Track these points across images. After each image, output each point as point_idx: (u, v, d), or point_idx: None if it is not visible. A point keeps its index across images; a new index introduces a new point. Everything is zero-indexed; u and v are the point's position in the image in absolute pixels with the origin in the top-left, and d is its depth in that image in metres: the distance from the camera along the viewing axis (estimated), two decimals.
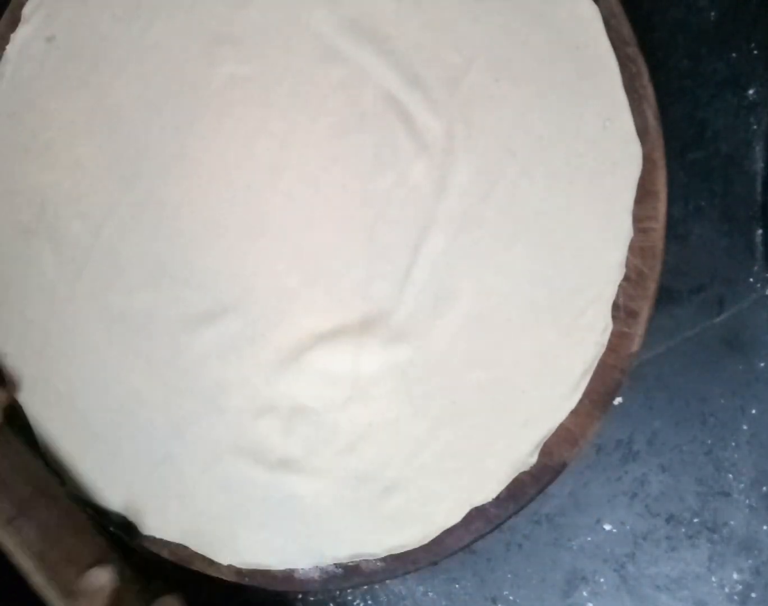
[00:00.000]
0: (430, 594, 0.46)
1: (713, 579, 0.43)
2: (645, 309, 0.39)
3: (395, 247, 0.40)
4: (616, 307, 0.39)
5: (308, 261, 0.41)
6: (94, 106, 0.43)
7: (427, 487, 0.40)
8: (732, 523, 0.43)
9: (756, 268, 0.44)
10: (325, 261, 0.40)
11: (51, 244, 0.43)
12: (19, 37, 0.44)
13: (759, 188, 0.44)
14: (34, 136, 0.44)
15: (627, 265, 0.39)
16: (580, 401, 0.39)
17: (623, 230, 0.38)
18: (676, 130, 0.44)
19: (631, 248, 0.38)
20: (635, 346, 0.39)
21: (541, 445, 0.39)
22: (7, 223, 0.44)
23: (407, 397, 0.40)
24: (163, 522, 0.42)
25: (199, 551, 0.42)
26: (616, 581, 0.44)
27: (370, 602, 0.46)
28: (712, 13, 0.44)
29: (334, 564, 0.41)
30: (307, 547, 0.41)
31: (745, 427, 0.43)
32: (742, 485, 0.43)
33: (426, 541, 0.40)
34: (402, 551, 0.40)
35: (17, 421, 0.44)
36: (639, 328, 0.39)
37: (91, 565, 0.40)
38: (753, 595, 0.43)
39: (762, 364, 0.43)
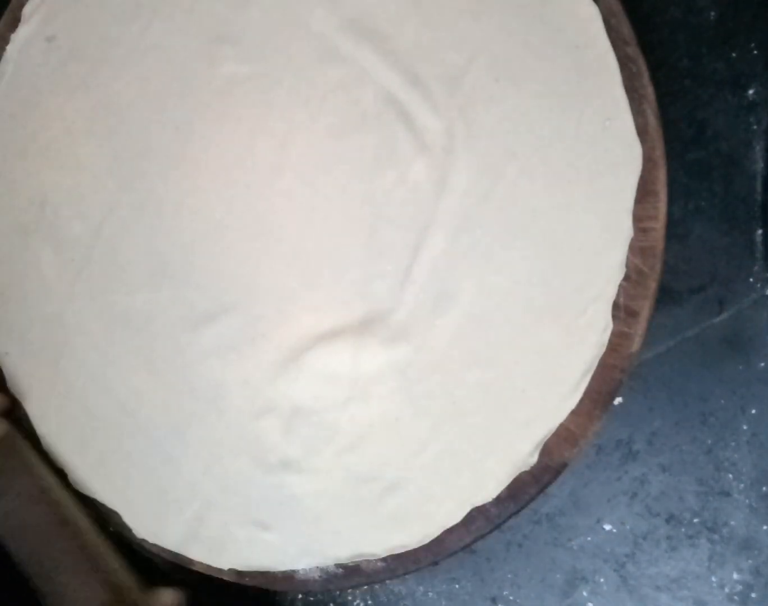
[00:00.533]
0: (430, 594, 0.46)
1: (713, 579, 0.43)
2: (645, 309, 0.39)
3: (395, 247, 0.40)
4: (616, 306, 0.39)
5: (308, 261, 0.41)
6: (94, 106, 0.43)
7: (427, 487, 0.40)
8: (732, 523, 0.43)
9: (756, 268, 0.44)
10: (325, 261, 0.40)
11: (51, 244, 0.43)
12: (19, 37, 0.44)
13: (759, 188, 0.44)
14: (35, 136, 0.44)
15: (627, 265, 0.39)
16: (580, 401, 0.39)
17: (623, 230, 0.38)
18: (676, 130, 0.44)
19: (631, 248, 0.38)
20: (635, 345, 0.39)
21: (541, 445, 0.39)
22: (7, 223, 0.44)
23: (407, 397, 0.40)
24: (161, 526, 0.42)
25: (198, 558, 0.42)
26: (616, 581, 0.44)
27: (370, 602, 0.46)
28: (712, 13, 0.44)
29: (335, 564, 0.41)
30: (308, 547, 0.41)
31: (745, 427, 0.43)
32: (742, 485, 0.43)
33: (426, 541, 0.40)
34: (402, 551, 0.40)
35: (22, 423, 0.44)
36: (639, 328, 0.39)
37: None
38: (753, 595, 0.43)
39: (762, 364, 0.43)
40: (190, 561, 0.42)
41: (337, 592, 0.46)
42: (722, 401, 0.44)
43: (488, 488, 0.39)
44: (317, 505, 0.41)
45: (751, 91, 0.44)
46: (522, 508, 0.40)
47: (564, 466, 0.39)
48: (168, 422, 0.42)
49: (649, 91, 0.38)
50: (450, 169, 0.39)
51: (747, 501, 0.43)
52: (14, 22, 0.45)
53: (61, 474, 0.43)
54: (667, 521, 0.44)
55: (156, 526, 0.42)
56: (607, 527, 0.44)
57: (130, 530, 0.43)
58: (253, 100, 0.41)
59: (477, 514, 0.40)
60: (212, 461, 0.41)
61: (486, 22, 0.40)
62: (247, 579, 0.42)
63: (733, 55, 0.44)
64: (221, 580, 0.42)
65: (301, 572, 0.41)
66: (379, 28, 0.40)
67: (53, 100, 0.43)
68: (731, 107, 0.44)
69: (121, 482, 0.43)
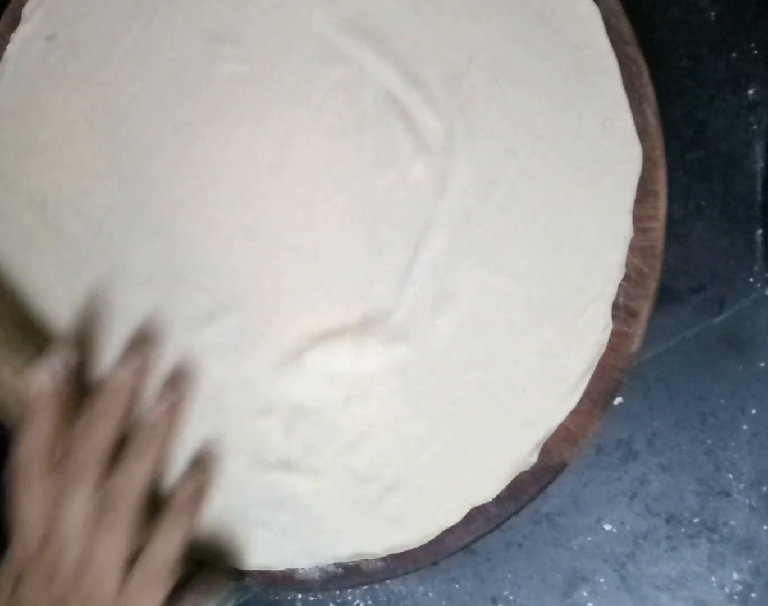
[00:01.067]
0: (430, 594, 0.46)
1: (713, 579, 0.43)
2: (645, 308, 0.39)
3: (395, 247, 0.40)
4: (616, 306, 0.39)
5: (308, 261, 0.41)
6: (95, 105, 0.43)
7: (427, 487, 0.40)
8: (732, 523, 0.43)
9: (756, 268, 0.44)
10: (325, 261, 0.40)
11: (51, 244, 0.43)
12: (19, 37, 0.44)
13: (759, 188, 0.44)
14: (35, 136, 0.44)
15: (627, 265, 0.39)
16: (580, 401, 0.39)
17: (623, 230, 0.38)
18: (676, 129, 0.44)
19: (631, 248, 0.38)
20: (635, 345, 0.39)
21: (541, 444, 0.39)
22: (7, 223, 0.44)
23: (407, 397, 0.40)
24: None
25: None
26: (616, 581, 0.44)
27: (370, 602, 0.46)
28: (712, 13, 0.44)
29: (335, 564, 0.41)
30: (307, 547, 0.41)
31: (745, 427, 0.43)
32: (742, 485, 0.43)
33: (426, 541, 0.40)
34: (402, 551, 0.40)
35: None
36: (639, 328, 0.39)
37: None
38: (753, 595, 0.43)
39: (762, 364, 0.43)
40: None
41: (337, 592, 0.46)
42: (722, 401, 0.44)
43: (488, 488, 0.39)
44: (317, 504, 0.41)
45: (751, 91, 0.44)
46: (522, 508, 0.40)
47: (564, 466, 0.39)
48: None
49: (649, 91, 0.38)
50: (450, 169, 0.39)
51: (747, 501, 0.43)
52: (14, 22, 0.44)
53: None
54: (667, 521, 0.44)
55: None
56: (607, 527, 0.44)
57: None
58: (253, 100, 0.41)
59: (477, 514, 0.40)
60: (212, 460, 0.41)
61: (486, 22, 0.39)
62: (246, 578, 0.42)
63: (733, 55, 0.44)
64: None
65: (300, 572, 0.41)
66: (379, 28, 0.40)
67: (53, 100, 0.43)
68: (731, 107, 0.44)
69: None
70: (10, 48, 0.44)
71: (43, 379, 0.37)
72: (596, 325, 0.38)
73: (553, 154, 0.39)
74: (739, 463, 0.43)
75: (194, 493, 0.39)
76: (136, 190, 0.42)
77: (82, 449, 0.37)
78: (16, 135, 0.44)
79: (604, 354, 0.39)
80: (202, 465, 0.41)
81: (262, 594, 0.46)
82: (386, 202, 0.40)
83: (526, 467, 0.39)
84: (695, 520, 0.44)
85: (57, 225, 0.43)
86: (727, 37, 0.44)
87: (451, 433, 0.39)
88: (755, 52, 0.44)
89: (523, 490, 0.39)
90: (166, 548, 0.37)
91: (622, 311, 0.39)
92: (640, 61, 0.39)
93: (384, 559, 0.41)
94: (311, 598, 0.47)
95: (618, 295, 0.39)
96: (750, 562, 0.43)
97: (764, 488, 0.43)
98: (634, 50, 0.39)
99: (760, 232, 0.44)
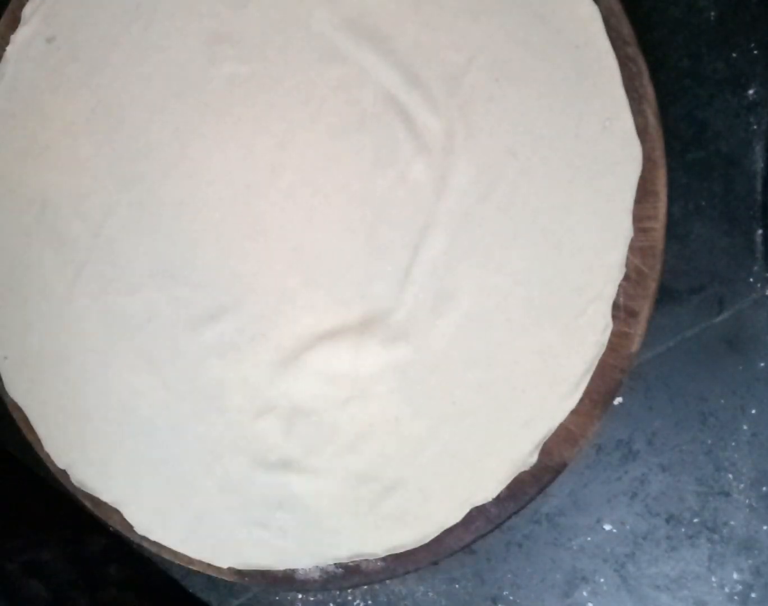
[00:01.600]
0: (430, 594, 0.46)
1: (713, 579, 0.43)
2: (645, 309, 0.39)
3: (395, 247, 0.40)
4: (616, 306, 0.39)
5: (308, 261, 0.41)
6: (94, 107, 0.43)
7: (427, 487, 0.40)
8: (732, 523, 0.43)
9: (756, 268, 0.44)
10: (325, 261, 0.40)
11: (51, 244, 0.43)
12: (19, 38, 0.44)
13: (759, 188, 0.44)
14: (35, 137, 0.44)
15: (627, 265, 0.39)
16: (580, 401, 0.39)
17: (623, 230, 0.38)
18: (676, 130, 0.44)
19: (631, 248, 0.38)
20: (635, 345, 0.39)
21: (541, 445, 0.39)
22: (8, 224, 0.44)
23: (407, 397, 0.40)
24: (161, 524, 0.42)
25: (199, 557, 0.42)
26: (616, 581, 0.44)
27: (370, 602, 0.46)
28: (712, 13, 0.44)
29: (334, 564, 0.41)
30: (307, 547, 0.41)
31: (745, 427, 0.43)
32: (742, 485, 0.43)
33: (426, 541, 0.40)
34: (402, 551, 0.40)
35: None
36: (639, 328, 0.39)
37: None
38: (753, 595, 0.43)
39: (762, 364, 0.43)
40: (190, 560, 0.43)
41: (337, 592, 0.46)
42: (722, 401, 0.44)
43: (488, 488, 0.39)
44: (317, 504, 0.41)
45: (751, 91, 0.44)
46: (522, 508, 0.40)
47: (564, 466, 0.39)
48: (168, 422, 0.42)
49: (649, 91, 0.38)
50: (450, 169, 0.39)
51: (747, 501, 0.43)
52: (14, 23, 0.45)
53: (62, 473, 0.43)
54: (667, 521, 0.44)
55: (156, 523, 0.43)
56: (607, 527, 0.44)
57: (130, 529, 0.43)
58: (253, 100, 0.41)
59: (477, 514, 0.40)
60: (212, 460, 0.41)
61: (486, 22, 0.39)
62: (246, 578, 0.42)
63: (733, 55, 0.44)
64: (221, 579, 0.42)
65: (300, 572, 0.41)
66: (379, 28, 0.40)
67: (53, 101, 0.43)
68: (731, 107, 0.44)
69: (122, 481, 0.43)
70: (10, 50, 0.44)
71: None
72: (596, 325, 0.38)
73: (553, 154, 0.39)
74: (739, 463, 0.43)
75: None
76: (135, 191, 0.42)
77: None
78: (16, 136, 0.44)
79: (604, 354, 0.39)
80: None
81: (262, 594, 0.46)
82: (386, 202, 0.40)
83: (526, 467, 0.39)
84: (695, 520, 0.44)
85: (57, 225, 0.43)
86: (727, 37, 0.44)
87: (451, 433, 0.39)
88: (755, 52, 0.44)
89: (523, 490, 0.39)
90: None
91: (622, 311, 0.39)
92: (640, 61, 0.39)
93: (384, 559, 0.41)
94: (311, 598, 0.47)
95: (618, 295, 0.39)
96: (750, 562, 0.43)
97: (764, 488, 0.43)
98: (634, 50, 0.39)
99: (760, 232, 0.44)
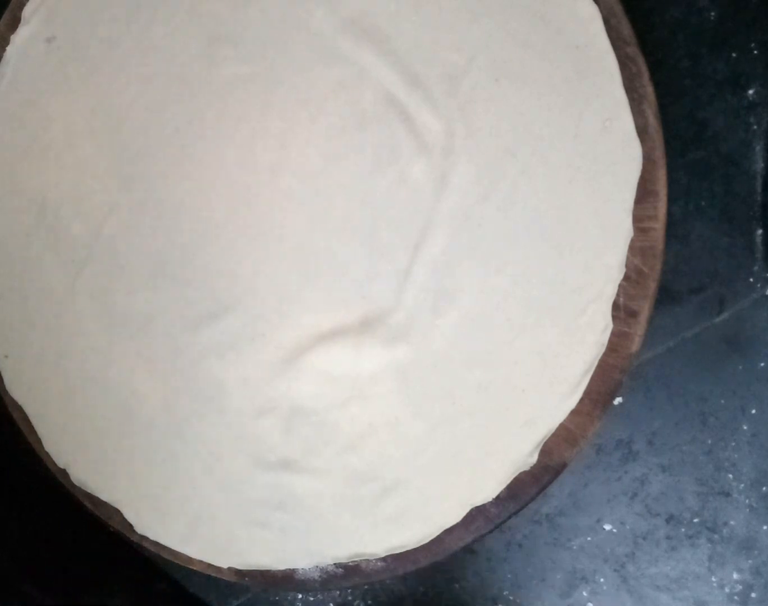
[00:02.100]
0: (430, 594, 0.46)
1: (713, 579, 0.43)
2: (645, 309, 0.39)
3: (395, 247, 0.40)
4: (616, 306, 0.39)
5: (308, 261, 0.41)
6: (94, 107, 0.43)
7: (427, 487, 0.40)
8: (732, 523, 0.43)
9: (756, 268, 0.44)
10: (325, 261, 0.40)
11: (51, 244, 0.43)
12: (19, 38, 0.44)
13: (759, 188, 0.44)
14: (35, 137, 0.44)
15: (627, 265, 0.39)
16: (580, 401, 0.39)
17: (623, 230, 0.38)
18: (676, 130, 0.44)
19: (631, 248, 0.38)
20: (635, 345, 0.39)
21: (541, 445, 0.39)
22: (8, 224, 0.44)
23: (407, 397, 0.40)
24: (161, 524, 0.42)
25: (199, 557, 0.42)
26: (616, 581, 0.44)
27: (370, 602, 0.46)
28: (712, 13, 0.44)
29: (334, 564, 0.41)
30: (307, 547, 0.41)
31: (745, 427, 0.43)
32: (742, 485, 0.43)
33: (426, 541, 0.40)
34: (402, 551, 0.40)
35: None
36: (639, 328, 0.39)
37: None
38: (753, 595, 0.43)
39: (762, 364, 0.43)
40: (190, 559, 0.43)
41: (337, 592, 0.46)
42: (722, 401, 0.44)
43: (488, 488, 0.39)
44: (317, 504, 0.41)
45: (751, 91, 0.44)
46: (522, 508, 0.40)
47: (564, 466, 0.39)
48: (168, 422, 0.42)
49: (649, 91, 0.38)
50: (450, 169, 0.39)
51: (747, 501, 0.43)
52: (14, 23, 0.45)
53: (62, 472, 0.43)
54: (667, 521, 0.44)
55: (156, 523, 0.43)
56: (607, 527, 0.44)
57: (130, 528, 0.43)
58: (253, 100, 0.41)
59: (477, 514, 0.40)
60: (212, 460, 0.41)
61: (486, 22, 0.39)
62: (246, 578, 0.42)
63: (733, 55, 0.44)
64: (221, 579, 0.42)
65: (300, 572, 0.41)
66: (379, 28, 0.40)
67: (53, 101, 0.43)
68: (731, 107, 0.44)
69: (122, 480, 0.43)
70: (10, 50, 0.44)
71: None
72: (596, 325, 0.38)
73: (553, 154, 0.39)
74: (739, 463, 0.43)
75: None
76: (136, 191, 0.42)
77: None
78: (17, 136, 0.44)
79: (604, 354, 0.39)
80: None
81: (262, 594, 0.46)
82: (386, 202, 0.40)
83: (526, 467, 0.39)
84: (695, 520, 0.44)
85: (57, 225, 0.43)
86: (727, 37, 0.44)
87: (451, 434, 0.39)
88: (755, 52, 0.44)
89: (523, 490, 0.39)
90: None
91: (622, 311, 0.39)
92: (640, 61, 0.39)
93: (384, 559, 0.41)
94: (311, 598, 0.47)
95: (618, 295, 0.39)
96: (750, 562, 0.43)
97: (764, 488, 0.43)
98: (634, 50, 0.39)
99: (760, 232, 0.44)
